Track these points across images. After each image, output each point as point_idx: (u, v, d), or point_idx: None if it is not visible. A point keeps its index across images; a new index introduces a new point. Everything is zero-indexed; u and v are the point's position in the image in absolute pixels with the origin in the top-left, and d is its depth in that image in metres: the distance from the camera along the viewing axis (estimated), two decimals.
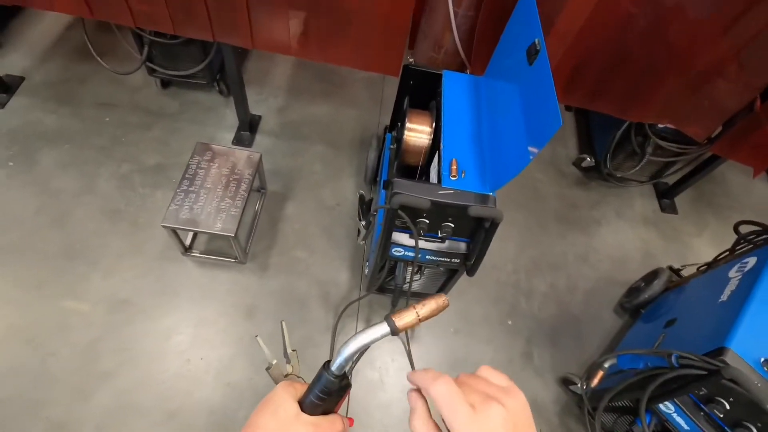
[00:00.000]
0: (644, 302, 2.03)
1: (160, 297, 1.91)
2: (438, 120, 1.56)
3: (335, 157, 2.48)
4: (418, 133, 1.62)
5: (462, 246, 1.46)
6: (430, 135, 1.61)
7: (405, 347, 1.85)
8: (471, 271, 1.47)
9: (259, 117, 2.57)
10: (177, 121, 2.48)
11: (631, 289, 2.18)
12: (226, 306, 1.93)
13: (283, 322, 0.76)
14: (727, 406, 1.25)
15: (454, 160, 1.38)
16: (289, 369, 0.73)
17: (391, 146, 1.88)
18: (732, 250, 1.81)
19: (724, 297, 1.52)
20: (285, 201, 2.27)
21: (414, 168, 1.70)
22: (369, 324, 1.97)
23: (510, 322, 2.08)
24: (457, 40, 1.72)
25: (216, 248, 2.06)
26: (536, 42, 1.22)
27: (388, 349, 1.91)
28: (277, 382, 0.69)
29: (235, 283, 1.99)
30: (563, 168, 2.71)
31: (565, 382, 1.91)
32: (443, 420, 0.42)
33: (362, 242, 1.89)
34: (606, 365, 1.63)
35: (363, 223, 1.74)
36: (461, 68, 1.84)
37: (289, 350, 0.74)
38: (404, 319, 0.51)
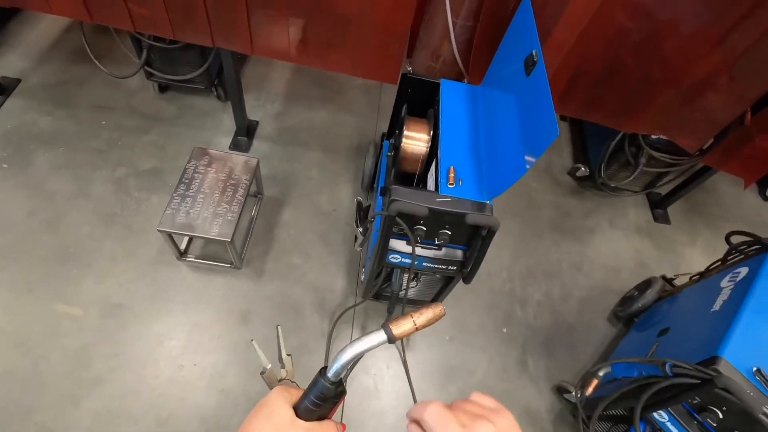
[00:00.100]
0: (638, 311, 2.04)
1: (153, 302, 1.89)
2: (436, 128, 1.58)
3: (332, 163, 2.49)
4: (416, 140, 1.63)
5: (459, 253, 1.46)
6: (428, 143, 1.63)
7: (400, 355, 1.84)
8: (467, 279, 1.48)
9: (257, 122, 2.58)
10: (174, 125, 2.48)
11: (625, 298, 2.19)
12: (220, 311, 1.92)
13: (279, 327, 0.76)
14: (720, 415, 1.26)
15: (451, 168, 1.39)
16: (283, 374, 0.73)
17: (389, 153, 1.89)
18: (724, 260, 1.83)
19: (716, 306, 1.53)
20: (281, 206, 2.27)
21: (411, 175, 1.71)
22: (365, 331, 1.97)
23: (505, 330, 2.08)
24: (455, 49, 1.74)
25: (211, 253, 2.05)
26: (533, 53, 1.24)
27: (384, 356, 1.91)
28: (271, 387, 0.69)
29: (231, 289, 1.98)
30: (558, 177, 2.73)
31: (560, 391, 1.91)
32: None
33: (359, 248, 1.89)
34: (600, 374, 1.64)
35: (360, 229, 1.74)
36: (459, 77, 1.86)
37: (284, 355, 0.74)
38: (401, 327, 0.51)
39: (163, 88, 2.60)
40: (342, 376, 0.54)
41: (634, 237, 2.55)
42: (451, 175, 1.37)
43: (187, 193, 1.85)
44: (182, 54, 2.26)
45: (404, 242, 1.44)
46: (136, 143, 2.37)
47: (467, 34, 1.71)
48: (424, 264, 1.46)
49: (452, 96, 1.63)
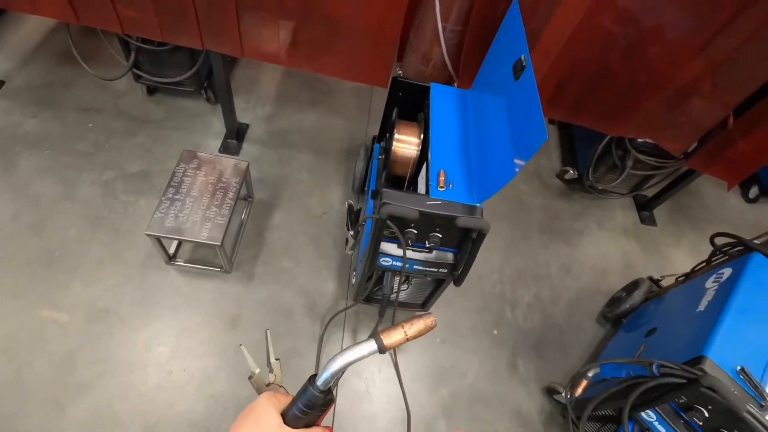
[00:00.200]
0: (625, 312, 2.07)
1: (141, 306, 1.87)
2: (426, 131, 1.59)
3: (322, 166, 2.48)
4: (406, 144, 1.64)
5: (449, 256, 1.47)
6: (419, 146, 1.63)
7: (392, 358, 1.84)
8: (458, 281, 1.48)
9: (247, 125, 2.56)
10: (162, 128, 2.46)
11: (613, 300, 2.22)
12: (210, 316, 1.90)
13: (268, 331, 0.76)
14: (706, 414, 1.28)
15: (442, 171, 1.40)
16: (272, 378, 0.72)
17: (380, 156, 1.89)
18: (708, 261, 1.86)
19: (701, 307, 1.56)
20: (272, 210, 2.26)
21: (402, 178, 1.72)
22: (356, 334, 1.97)
23: (495, 332, 2.09)
24: (445, 53, 1.76)
25: (201, 257, 2.03)
26: (522, 58, 1.26)
27: (375, 360, 1.91)
28: (259, 392, 0.69)
29: (220, 293, 1.96)
30: (547, 180, 2.76)
31: (550, 392, 1.93)
32: None
33: (350, 252, 1.89)
34: (589, 374, 1.65)
35: (351, 232, 1.74)
36: (449, 81, 1.88)
37: (272, 359, 0.74)
38: (392, 337, 0.52)
39: (151, 91, 2.57)
40: (331, 384, 0.54)
41: (621, 239, 2.59)
42: (442, 178, 1.38)
43: (176, 196, 1.83)
44: (171, 56, 2.24)
45: (395, 245, 1.44)
46: (123, 146, 2.34)
47: (457, 38, 1.72)
48: (415, 267, 1.47)
49: (442, 100, 1.64)
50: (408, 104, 1.79)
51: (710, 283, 1.65)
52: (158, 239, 1.81)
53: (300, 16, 1.73)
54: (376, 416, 1.79)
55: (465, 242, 1.39)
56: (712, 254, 1.85)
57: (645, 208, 2.73)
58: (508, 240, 2.42)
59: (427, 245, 1.40)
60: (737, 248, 1.74)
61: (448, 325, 2.06)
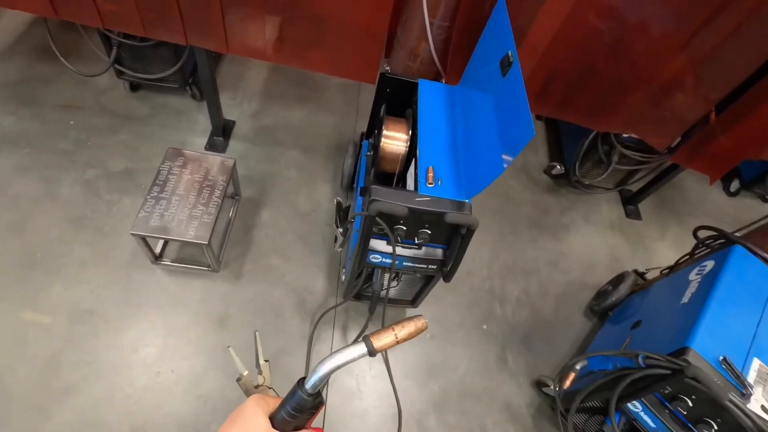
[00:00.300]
0: (612, 305, 2.11)
1: (127, 307, 1.84)
2: (414, 128, 1.58)
3: (310, 162, 2.47)
4: (394, 140, 1.64)
5: (439, 252, 1.47)
6: (407, 142, 1.63)
7: (382, 355, 1.84)
8: (447, 277, 1.49)
9: (233, 122, 2.53)
10: (146, 125, 2.41)
11: (600, 293, 2.26)
12: (198, 315, 1.87)
13: (257, 333, 0.75)
14: (690, 404, 1.31)
15: (430, 168, 1.40)
16: (260, 380, 0.72)
17: (368, 153, 1.88)
18: (692, 254, 1.90)
19: (685, 299, 1.59)
20: (259, 207, 2.24)
21: (391, 175, 1.71)
22: (346, 331, 1.96)
23: (485, 327, 2.11)
24: (432, 49, 1.75)
25: (188, 256, 2.00)
26: (509, 54, 1.26)
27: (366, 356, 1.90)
28: (248, 394, 0.68)
29: (208, 292, 1.94)
30: (535, 175, 2.79)
31: (539, 385, 1.95)
32: None
33: (339, 249, 1.88)
34: (577, 367, 1.68)
35: (340, 230, 1.73)
36: (437, 77, 1.87)
37: (261, 361, 0.73)
38: (382, 340, 0.51)
39: (134, 87, 2.52)
40: (320, 387, 0.54)
41: (607, 233, 2.62)
42: (430, 174, 1.38)
43: (161, 194, 1.80)
44: (154, 52, 2.20)
45: (384, 242, 1.44)
46: (106, 143, 2.29)
47: (444, 34, 1.72)
48: (404, 263, 1.47)
49: (430, 96, 1.64)
50: (396, 100, 1.79)
51: (693, 276, 1.68)
52: (143, 239, 1.78)
53: (286, 11, 1.70)
54: (367, 413, 1.79)
55: (454, 238, 1.39)
56: (695, 247, 1.88)
57: (630, 202, 2.78)
58: (497, 235, 2.44)
59: (417, 242, 1.40)
60: (719, 241, 1.78)
61: (438, 321, 2.07)
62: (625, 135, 2.22)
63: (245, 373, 0.70)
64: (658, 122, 2.01)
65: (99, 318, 1.79)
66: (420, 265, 1.49)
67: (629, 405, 1.48)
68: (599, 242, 2.57)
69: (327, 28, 1.74)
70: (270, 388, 0.72)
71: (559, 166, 2.63)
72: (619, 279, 2.16)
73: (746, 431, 1.20)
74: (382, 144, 1.63)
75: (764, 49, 1.65)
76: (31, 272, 1.84)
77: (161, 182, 1.83)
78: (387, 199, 1.27)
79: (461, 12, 1.64)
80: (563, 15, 1.63)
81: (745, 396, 1.24)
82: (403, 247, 1.43)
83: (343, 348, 0.52)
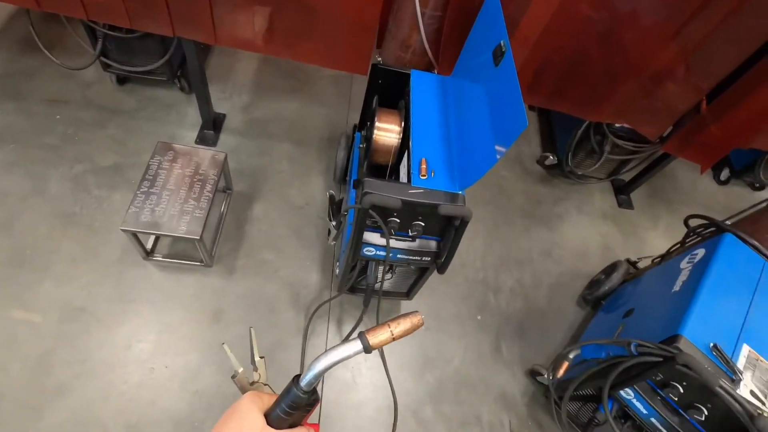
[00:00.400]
0: (604, 294, 2.12)
1: (119, 304, 1.82)
2: (407, 119, 1.57)
3: (303, 155, 2.44)
4: (387, 132, 1.62)
5: (432, 244, 1.47)
6: (400, 134, 1.62)
7: (379, 352, 1.85)
8: (442, 269, 1.49)
9: (224, 115, 2.50)
10: (135, 118, 2.37)
11: (592, 282, 2.28)
12: (191, 311, 1.86)
13: (252, 329, 0.74)
14: (681, 390, 1.33)
15: (423, 160, 1.39)
16: (256, 377, 0.71)
17: (361, 145, 1.87)
18: (683, 242, 1.92)
19: (676, 287, 1.61)
20: (252, 201, 2.22)
21: (384, 167, 1.70)
22: (340, 325, 1.96)
23: (479, 318, 2.12)
24: (424, 39, 1.73)
25: (180, 251, 1.98)
26: (502, 44, 1.25)
27: None
28: (243, 391, 0.68)
29: (201, 287, 1.92)
30: (528, 166, 2.79)
31: (533, 374, 1.97)
32: None
33: (333, 242, 1.87)
34: (570, 356, 1.69)
35: (333, 223, 1.73)
36: (429, 68, 1.86)
37: (256, 357, 0.72)
38: (378, 337, 0.51)
39: (121, 80, 2.47)
40: (315, 385, 0.54)
41: (600, 223, 2.64)
42: (423, 166, 1.37)
43: (151, 190, 1.77)
44: (141, 43, 2.15)
45: (378, 235, 1.43)
46: (94, 138, 2.25)
47: (436, 24, 1.70)
48: (398, 256, 1.47)
49: (423, 87, 1.63)
50: (388, 92, 1.77)
51: (685, 264, 1.70)
52: (134, 234, 1.76)
53: (275, 1, 1.67)
54: (362, 404, 1.80)
55: (448, 230, 1.39)
56: (687, 235, 1.90)
57: (622, 192, 2.79)
58: (491, 226, 2.45)
59: (410, 234, 1.39)
60: (710, 229, 1.80)
61: (433, 312, 2.08)
62: (617, 125, 2.23)
63: (240, 370, 0.70)
64: (649, 112, 2.02)
65: (90, 315, 1.77)
66: (414, 258, 1.48)
67: (622, 392, 1.50)
68: (592, 232, 2.58)
69: (317, 18, 1.72)
70: (265, 385, 0.71)
71: (551, 157, 2.64)
72: (611, 268, 2.17)
73: (736, 415, 1.22)
74: (374, 136, 1.62)
75: (754, 38, 1.66)
76: (20, 270, 1.82)
77: (151, 177, 1.80)
78: (380, 192, 1.26)
79: (453, 1, 1.62)
80: (555, 4, 1.61)
81: (735, 381, 1.27)
82: (396, 239, 1.42)
83: (338, 345, 0.52)
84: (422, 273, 1.69)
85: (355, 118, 2.14)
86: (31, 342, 1.68)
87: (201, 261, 1.94)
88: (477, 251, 2.33)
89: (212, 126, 2.39)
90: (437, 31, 1.73)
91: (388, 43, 1.86)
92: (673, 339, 1.34)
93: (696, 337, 1.33)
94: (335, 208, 1.95)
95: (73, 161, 2.15)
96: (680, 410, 1.39)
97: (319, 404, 0.57)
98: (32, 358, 1.65)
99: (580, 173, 2.57)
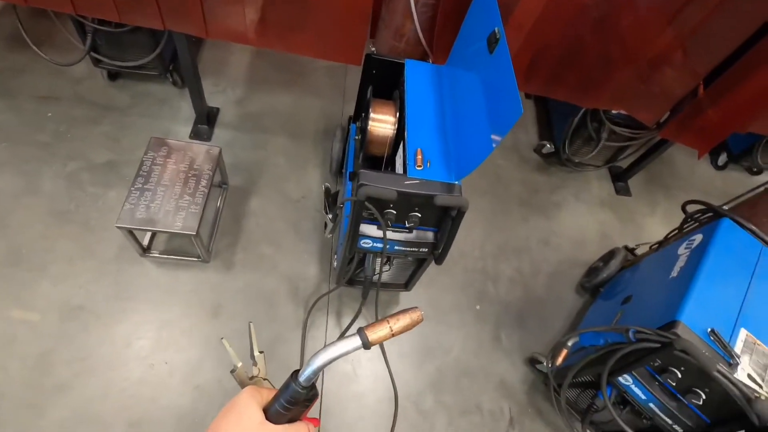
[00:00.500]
0: (602, 281, 2.13)
1: (117, 301, 1.81)
2: (402, 110, 1.55)
3: (299, 148, 2.43)
4: (382, 123, 1.61)
5: (429, 235, 1.47)
6: (395, 125, 1.60)
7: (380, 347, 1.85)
8: (439, 260, 1.49)
9: (218, 109, 2.47)
10: (127, 114, 2.35)
11: (590, 270, 2.28)
12: (190, 307, 1.86)
13: (251, 324, 0.74)
14: (679, 375, 1.34)
15: (419, 150, 1.38)
16: (255, 371, 0.71)
17: (356, 137, 1.85)
18: (680, 228, 1.92)
19: (674, 273, 1.61)
20: (248, 196, 2.20)
21: (380, 158, 1.69)
22: (339, 317, 1.96)
23: (478, 307, 2.13)
24: (418, 28, 1.71)
25: (177, 247, 1.97)
26: (496, 31, 1.23)
27: None
28: (242, 386, 0.68)
29: (199, 283, 1.92)
30: (525, 154, 2.78)
31: (532, 362, 1.98)
32: None
33: (329, 235, 1.86)
34: (569, 343, 1.70)
35: (330, 216, 1.72)
36: (423, 57, 1.84)
37: (256, 352, 0.72)
38: (377, 333, 0.51)
39: (113, 75, 2.44)
40: (314, 380, 0.53)
41: (597, 210, 2.64)
42: (419, 156, 1.36)
43: (146, 186, 1.76)
44: (131, 38, 2.12)
45: (375, 227, 1.43)
46: (87, 135, 2.23)
47: (430, 11, 1.68)
48: (395, 248, 1.46)
49: (417, 76, 1.61)
50: (383, 82, 1.75)
51: (682, 250, 1.70)
52: (130, 231, 1.75)
53: None
54: (363, 395, 1.81)
55: (445, 220, 1.39)
56: (684, 221, 1.90)
57: (620, 179, 2.79)
58: (489, 215, 2.44)
59: (407, 225, 1.39)
60: (707, 214, 1.80)
61: (432, 303, 2.08)
62: (614, 111, 2.21)
63: (239, 364, 0.69)
64: (646, 97, 2.00)
65: (89, 313, 1.77)
66: (411, 249, 1.48)
67: (620, 378, 1.51)
68: (590, 219, 2.58)
69: (310, 9, 1.69)
70: (265, 380, 0.71)
71: (549, 145, 2.63)
72: (609, 255, 2.18)
73: (733, 399, 1.23)
74: (369, 127, 1.60)
75: (752, 20, 1.64)
76: (17, 269, 1.81)
77: (145, 173, 1.79)
78: (376, 184, 1.25)
79: None
80: None
81: (732, 366, 1.27)
82: (393, 231, 1.42)
83: (337, 341, 0.52)
84: (420, 264, 1.69)
85: (350, 110, 2.12)
86: (30, 341, 1.68)
87: (198, 257, 1.94)
88: (475, 241, 2.32)
89: (206, 120, 2.37)
90: (431, 20, 1.71)
91: (382, 32, 1.84)
92: (670, 325, 1.34)
93: (694, 322, 1.34)
94: (331, 200, 1.94)
95: (67, 159, 2.13)
96: (678, 395, 1.40)
97: (318, 399, 0.57)
98: (32, 357, 1.65)
99: (577, 161, 2.56)
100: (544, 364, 1.84)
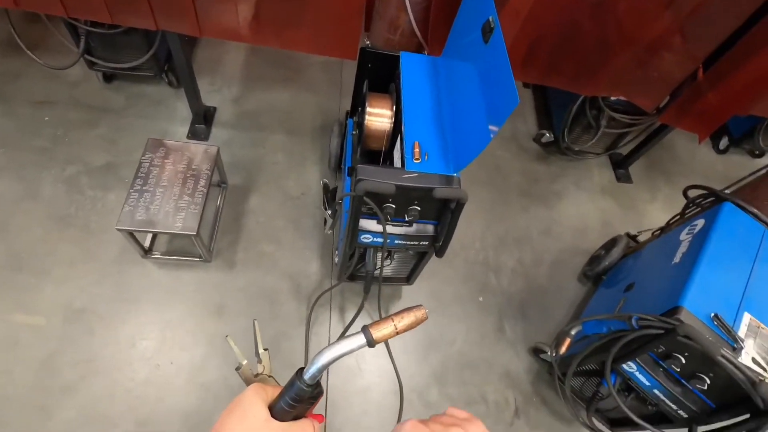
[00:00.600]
0: (605, 269, 2.12)
1: (120, 303, 1.82)
2: (398, 103, 1.54)
3: (297, 145, 2.42)
4: (379, 117, 1.60)
5: (430, 228, 1.46)
6: (392, 118, 1.59)
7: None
8: (440, 253, 1.48)
9: (214, 108, 2.46)
10: (124, 116, 2.34)
11: (593, 258, 2.27)
12: (193, 306, 1.87)
13: (256, 322, 0.74)
14: (683, 361, 1.34)
15: (416, 143, 1.37)
16: (260, 369, 0.71)
17: (354, 132, 1.84)
18: (682, 213, 1.91)
19: (676, 259, 1.61)
20: (247, 194, 2.20)
21: (378, 153, 1.68)
22: (342, 312, 1.96)
23: (481, 299, 2.13)
24: (412, 20, 1.69)
25: (178, 248, 1.98)
26: (490, 20, 1.22)
27: None
28: (247, 383, 0.68)
29: (201, 283, 1.93)
30: (524, 144, 2.76)
31: (536, 352, 1.98)
32: None
33: (329, 231, 1.86)
34: (572, 332, 1.70)
35: (329, 212, 1.71)
36: (419, 49, 1.82)
37: (260, 350, 0.72)
38: (381, 331, 0.51)
39: (108, 78, 2.43)
40: (319, 378, 0.53)
41: (598, 198, 2.63)
42: (417, 150, 1.36)
43: (144, 187, 1.76)
44: (125, 39, 2.11)
45: (375, 221, 1.42)
46: (84, 138, 2.22)
47: (424, 2, 1.66)
48: (396, 242, 1.46)
49: (413, 69, 1.59)
50: (378, 75, 1.74)
51: (684, 235, 1.69)
52: (131, 233, 1.75)
53: None
54: (368, 389, 1.82)
55: (444, 213, 1.38)
56: (686, 206, 1.89)
57: (620, 166, 2.77)
58: (489, 206, 2.43)
59: (407, 219, 1.38)
60: (709, 199, 1.79)
61: (434, 296, 2.08)
62: (612, 98, 2.19)
63: (244, 362, 0.70)
64: (645, 83, 1.98)
65: (93, 316, 1.78)
66: (412, 243, 1.48)
67: (624, 366, 1.51)
68: (591, 207, 2.57)
69: (304, 3, 1.67)
70: (270, 377, 0.71)
71: (548, 134, 2.61)
72: (611, 243, 2.17)
73: (738, 383, 1.23)
74: (366, 122, 1.59)
75: (748, 2, 1.62)
76: (19, 274, 1.82)
77: (143, 174, 1.79)
78: (374, 178, 1.24)
79: None
80: None
81: (737, 350, 1.27)
82: (393, 225, 1.41)
83: (341, 339, 0.52)
84: (421, 257, 1.69)
85: (347, 105, 2.11)
86: (34, 345, 1.69)
87: (200, 256, 1.94)
88: (476, 233, 2.32)
89: (203, 120, 2.36)
90: (425, 11, 1.69)
91: (376, 24, 1.82)
92: (673, 311, 1.34)
93: (697, 307, 1.33)
94: (330, 196, 1.94)
95: (65, 163, 2.13)
96: (683, 380, 1.40)
97: (322, 396, 0.57)
98: (37, 360, 1.66)
99: (577, 149, 2.55)
100: (548, 353, 1.84)
